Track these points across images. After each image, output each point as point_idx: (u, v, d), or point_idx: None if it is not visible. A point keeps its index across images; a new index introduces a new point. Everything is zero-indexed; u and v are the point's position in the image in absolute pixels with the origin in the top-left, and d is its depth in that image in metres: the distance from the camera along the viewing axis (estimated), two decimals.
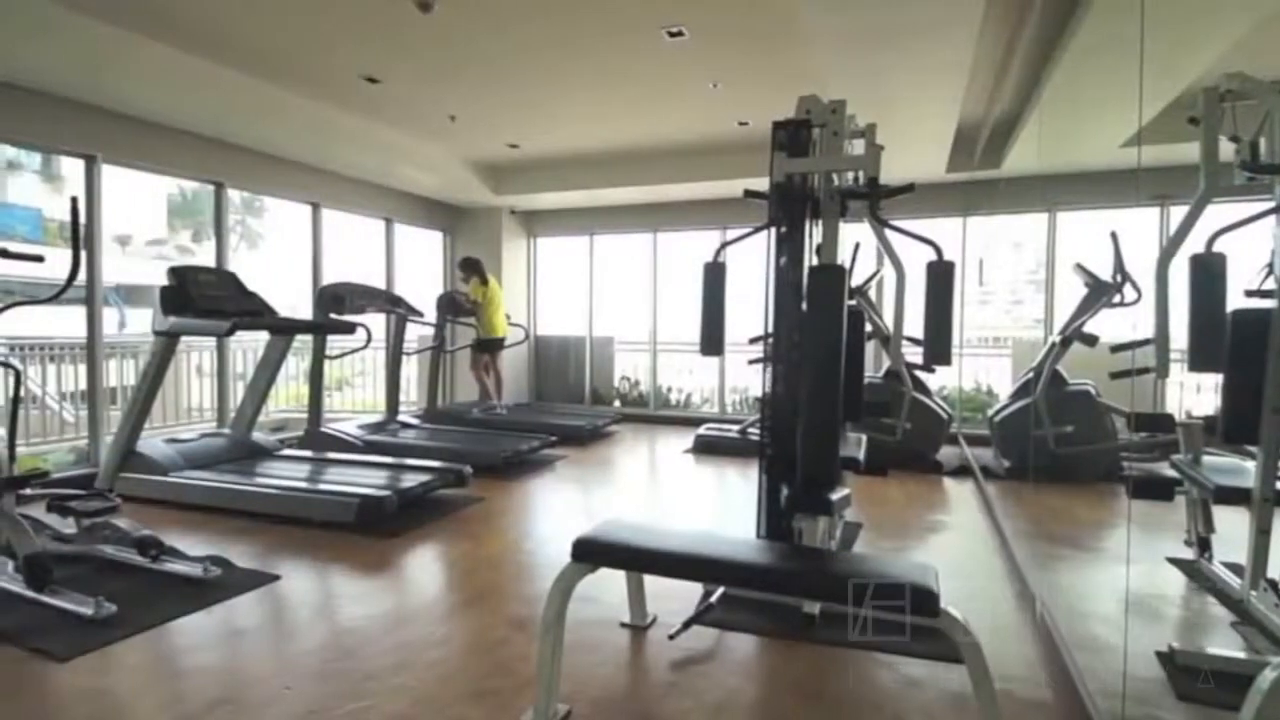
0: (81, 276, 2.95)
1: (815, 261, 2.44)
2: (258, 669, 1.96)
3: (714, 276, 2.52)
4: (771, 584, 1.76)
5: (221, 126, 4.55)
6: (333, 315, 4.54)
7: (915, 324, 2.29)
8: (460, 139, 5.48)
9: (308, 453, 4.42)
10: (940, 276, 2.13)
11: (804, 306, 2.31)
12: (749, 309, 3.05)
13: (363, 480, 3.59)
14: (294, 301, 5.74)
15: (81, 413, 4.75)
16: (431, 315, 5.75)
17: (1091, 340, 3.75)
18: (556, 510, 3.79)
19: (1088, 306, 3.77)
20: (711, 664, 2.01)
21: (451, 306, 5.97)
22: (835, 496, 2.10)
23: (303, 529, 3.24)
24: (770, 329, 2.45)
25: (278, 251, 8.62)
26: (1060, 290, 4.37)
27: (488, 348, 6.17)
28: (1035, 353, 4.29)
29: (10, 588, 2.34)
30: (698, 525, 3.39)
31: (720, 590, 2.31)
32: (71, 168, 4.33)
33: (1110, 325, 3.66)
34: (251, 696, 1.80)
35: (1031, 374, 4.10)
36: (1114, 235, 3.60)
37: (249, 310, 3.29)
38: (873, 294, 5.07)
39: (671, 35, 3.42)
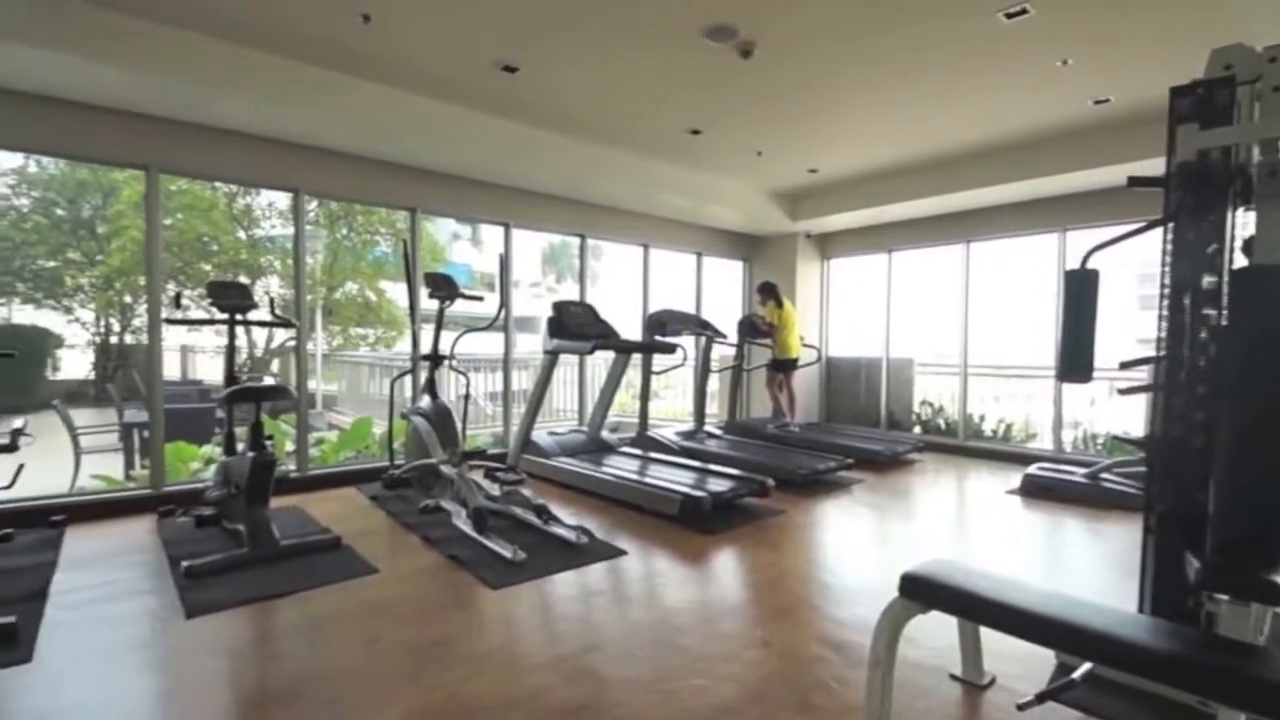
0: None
1: (1243, 262, 1.78)
2: (613, 628, 2.27)
3: (1082, 286, 1.96)
4: (1185, 678, 1.29)
5: (585, 190, 5.57)
6: (657, 337, 5.14)
7: None
8: (763, 172, 5.68)
9: (638, 451, 5.06)
10: None
11: (1223, 322, 1.70)
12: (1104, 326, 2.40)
13: (681, 480, 3.94)
14: (621, 327, 6.68)
15: (496, 408, 6.36)
16: (733, 337, 6.05)
17: None
18: (856, 536, 3.53)
19: None
20: None
21: (750, 329, 6.19)
22: None
23: (637, 514, 3.71)
24: (1163, 350, 1.85)
25: (610, 285, 10.17)
26: None
27: (782, 367, 6.19)
28: None
29: (464, 529, 3.23)
30: (1034, 582, 2.75)
31: (1086, 666, 1.83)
32: (489, 233, 5.85)
33: None
34: (611, 650, 2.10)
35: None
36: None
37: (603, 334, 3.95)
38: None
39: (1010, 16, 2.95)
